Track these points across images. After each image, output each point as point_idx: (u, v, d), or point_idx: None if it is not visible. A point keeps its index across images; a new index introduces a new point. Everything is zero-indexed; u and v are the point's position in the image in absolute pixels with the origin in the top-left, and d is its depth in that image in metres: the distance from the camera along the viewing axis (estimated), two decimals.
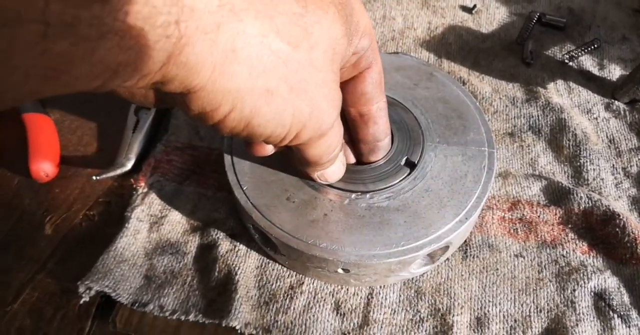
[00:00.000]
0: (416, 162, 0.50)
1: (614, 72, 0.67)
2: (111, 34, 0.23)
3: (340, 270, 0.45)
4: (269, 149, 0.42)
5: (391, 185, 0.48)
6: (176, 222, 0.54)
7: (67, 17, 0.21)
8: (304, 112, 0.35)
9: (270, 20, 0.31)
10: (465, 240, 0.52)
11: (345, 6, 0.36)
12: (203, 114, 0.32)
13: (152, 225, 0.53)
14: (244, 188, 0.47)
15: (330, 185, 0.48)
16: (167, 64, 0.27)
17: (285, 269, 0.50)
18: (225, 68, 0.29)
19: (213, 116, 0.32)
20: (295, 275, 0.50)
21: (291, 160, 0.45)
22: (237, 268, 0.50)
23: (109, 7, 0.23)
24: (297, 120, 0.35)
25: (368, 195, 0.47)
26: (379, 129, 0.46)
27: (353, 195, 0.47)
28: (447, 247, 0.47)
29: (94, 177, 0.56)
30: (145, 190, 0.56)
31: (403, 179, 0.48)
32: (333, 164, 0.44)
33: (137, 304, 0.48)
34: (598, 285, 0.49)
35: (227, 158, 0.50)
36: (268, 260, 0.51)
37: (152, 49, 0.26)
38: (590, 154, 0.58)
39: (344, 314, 0.48)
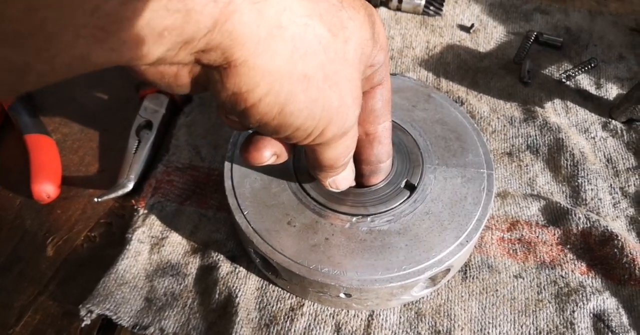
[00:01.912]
0: (416, 184, 0.50)
1: (611, 91, 0.68)
2: None
3: (342, 295, 0.45)
4: (266, 157, 0.41)
5: (392, 208, 0.48)
6: (177, 243, 0.54)
7: None
8: (333, 105, 0.34)
9: (314, 4, 0.31)
10: (465, 261, 0.52)
11: (371, 15, 0.37)
12: (237, 95, 0.31)
13: (153, 246, 0.54)
14: (245, 212, 0.48)
15: (331, 209, 0.48)
16: (213, 31, 0.27)
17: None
18: (269, 44, 0.29)
19: (247, 98, 0.31)
20: (296, 297, 0.50)
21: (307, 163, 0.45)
22: (237, 290, 0.50)
23: None
24: (326, 113, 0.34)
25: (369, 219, 0.47)
26: (382, 150, 0.46)
27: (354, 219, 0.47)
28: (448, 270, 0.47)
29: (96, 199, 0.56)
30: (146, 211, 0.56)
31: (403, 201, 0.49)
32: (345, 170, 0.45)
33: (138, 327, 0.48)
34: (597, 306, 0.49)
35: (227, 182, 0.50)
36: (268, 282, 0.51)
37: (199, 13, 0.25)
38: (588, 174, 0.58)
39: None
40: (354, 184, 0.49)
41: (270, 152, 0.40)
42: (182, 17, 0.25)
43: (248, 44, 0.28)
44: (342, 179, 0.45)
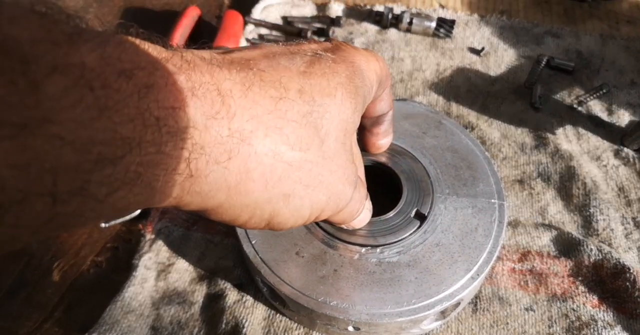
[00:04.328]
0: (426, 214, 0.49)
1: (623, 117, 0.67)
2: (123, 185, 0.23)
3: (350, 328, 0.44)
4: None
5: (401, 239, 0.47)
6: (183, 270, 0.54)
7: (78, 182, 0.21)
8: (321, 200, 0.35)
9: (280, 132, 0.31)
10: (476, 293, 0.51)
11: (354, 75, 0.36)
12: (225, 222, 0.33)
13: (160, 273, 0.53)
14: (253, 242, 0.47)
15: (340, 239, 0.47)
16: (181, 196, 0.28)
17: None
18: (240, 188, 0.30)
19: (234, 223, 0.33)
20: (303, 328, 0.49)
21: None
22: (244, 320, 0.49)
23: (120, 166, 0.23)
24: (316, 209, 0.35)
25: (378, 250, 0.47)
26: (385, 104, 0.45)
27: (363, 250, 0.47)
28: (458, 304, 0.47)
29: (103, 225, 0.56)
30: (153, 236, 0.56)
31: (413, 232, 0.48)
32: (361, 214, 0.44)
33: None
34: None
35: None
36: (275, 311, 0.51)
37: (164, 187, 0.26)
38: (599, 204, 0.58)
39: None
40: None
41: None
42: (147, 194, 0.25)
43: (219, 195, 0.30)
44: (357, 222, 0.45)
